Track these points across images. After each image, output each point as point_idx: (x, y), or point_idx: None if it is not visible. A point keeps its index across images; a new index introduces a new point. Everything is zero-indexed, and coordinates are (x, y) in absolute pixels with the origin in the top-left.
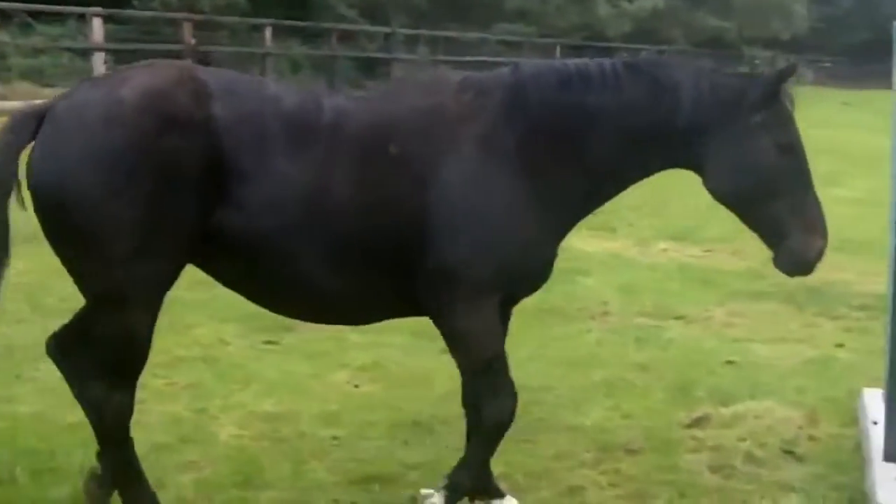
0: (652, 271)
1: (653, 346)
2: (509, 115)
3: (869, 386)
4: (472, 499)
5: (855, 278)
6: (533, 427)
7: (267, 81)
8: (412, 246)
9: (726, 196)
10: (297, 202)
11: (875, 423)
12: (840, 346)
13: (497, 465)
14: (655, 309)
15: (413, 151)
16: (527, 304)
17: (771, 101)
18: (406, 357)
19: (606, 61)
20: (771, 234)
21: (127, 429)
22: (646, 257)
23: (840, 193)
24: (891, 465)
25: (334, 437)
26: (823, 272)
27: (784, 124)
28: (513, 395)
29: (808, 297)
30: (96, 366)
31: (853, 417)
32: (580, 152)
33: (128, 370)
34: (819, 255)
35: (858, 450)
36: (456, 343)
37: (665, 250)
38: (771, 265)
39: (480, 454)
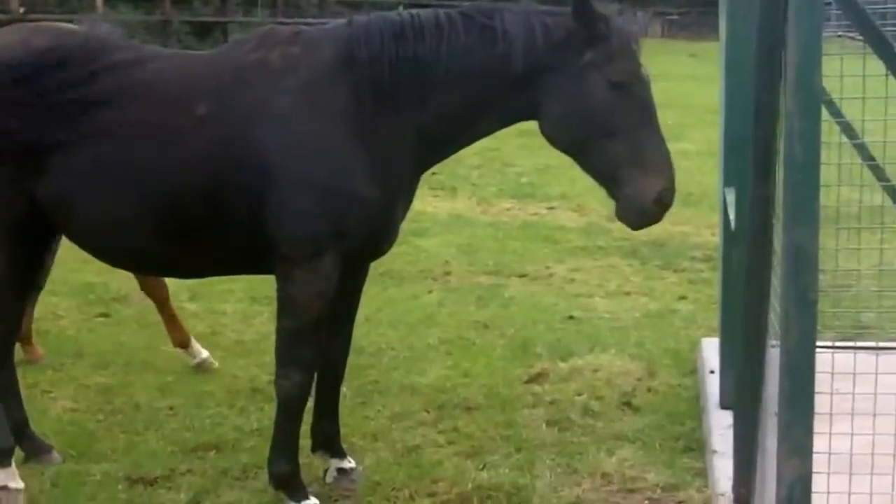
0: (494, 230)
1: (494, 304)
2: (339, 67)
3: (709, 336)
4: (313, 450)
5: (698, 230)
6: (368, 389)
7: (113, 45)
8: (231, 205)
9: (562, 141)
10: (99, 164)
11: (712, 372)
12: (683, 298)
13: None
14: (497, 267)
15: (222, 110)
16: None
17: (598, 37)
18: (243, 324)
19: (443, 11)
20: (610, 180)
21: None
22: (487, 216)
23: (684, 147)
24: (726, 412)
25: (170, 408)
26: (666, 225)
27: (616, 61)
28: (308, 371)
29: (651, 251)
30: None
31: (693, 368)
32: (415, 104)
33: None
34: (661, 201)
35: (697, 399)
36: (283, 304)
37: (507, 209)
38: (616, 220)
39: (282, 432)
